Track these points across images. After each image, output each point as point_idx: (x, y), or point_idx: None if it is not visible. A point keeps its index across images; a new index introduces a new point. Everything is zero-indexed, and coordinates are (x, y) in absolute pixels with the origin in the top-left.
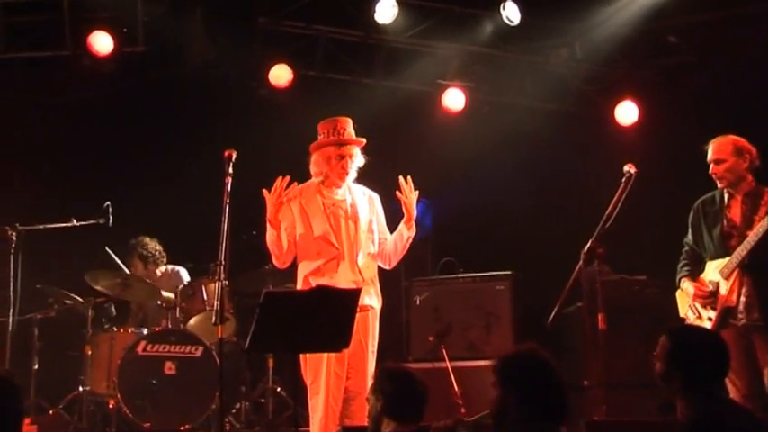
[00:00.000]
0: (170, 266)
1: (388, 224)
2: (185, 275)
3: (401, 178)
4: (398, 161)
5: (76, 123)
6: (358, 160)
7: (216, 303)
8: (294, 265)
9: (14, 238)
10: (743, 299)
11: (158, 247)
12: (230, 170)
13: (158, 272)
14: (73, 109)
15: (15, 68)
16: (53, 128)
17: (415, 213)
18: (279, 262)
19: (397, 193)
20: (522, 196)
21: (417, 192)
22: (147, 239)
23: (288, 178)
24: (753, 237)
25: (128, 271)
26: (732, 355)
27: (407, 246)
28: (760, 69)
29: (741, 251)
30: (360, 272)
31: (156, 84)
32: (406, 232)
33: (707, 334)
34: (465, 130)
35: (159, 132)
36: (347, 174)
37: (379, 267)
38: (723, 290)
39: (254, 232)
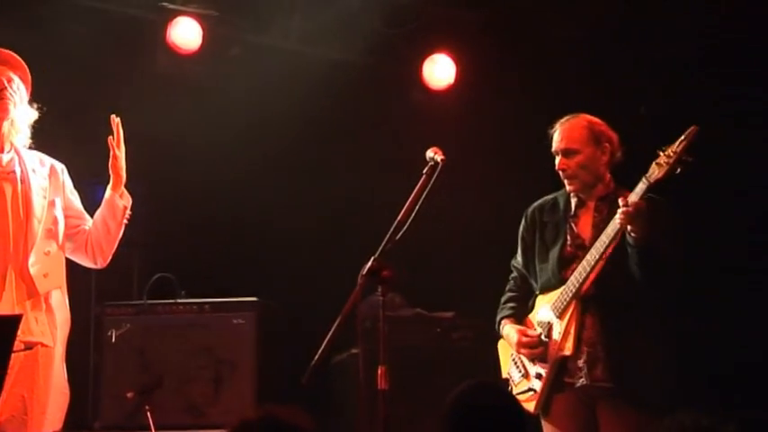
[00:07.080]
0: None
1: None
2: None
3: (113, 118)
4: (86, 123)
5: None
6: (25, 107)
7: None
8: None
9: None
10: (584, 348)
11: None
12: None
13: None
14: None
15: None
16: None
17: (124, 174)
18: None
19: (110, 138)
20: (277, 186)
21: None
22: None
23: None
24: (594, 254)
25: None
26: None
27: (123, 226)
28: None
29: (578, 277)
30: (33, 283)
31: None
32: (119, 201)
33: (503, 401)
34: (203, 81)
35: None
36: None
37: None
38: (556, 334)
39: None
